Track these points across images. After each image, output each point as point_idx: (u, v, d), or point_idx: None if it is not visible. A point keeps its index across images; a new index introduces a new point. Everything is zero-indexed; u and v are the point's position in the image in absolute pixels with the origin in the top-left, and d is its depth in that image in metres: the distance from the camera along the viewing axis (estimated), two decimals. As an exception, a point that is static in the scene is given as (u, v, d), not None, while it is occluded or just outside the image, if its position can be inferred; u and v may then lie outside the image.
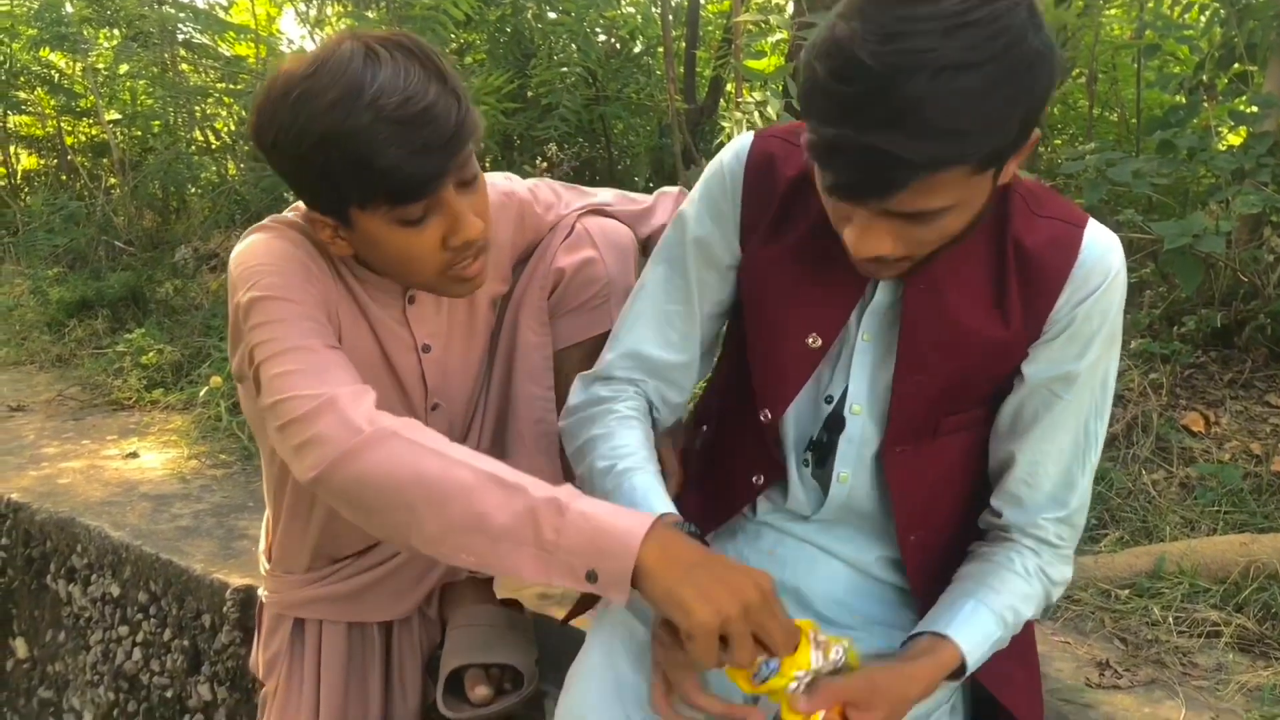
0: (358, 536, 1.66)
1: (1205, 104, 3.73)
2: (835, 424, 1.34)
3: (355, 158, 1.25)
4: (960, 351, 1.27)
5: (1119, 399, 3.06)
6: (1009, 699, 1.34)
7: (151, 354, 3.81)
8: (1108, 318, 1.26)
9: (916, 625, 1.32)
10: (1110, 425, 2.94)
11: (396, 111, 1.23)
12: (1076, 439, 1.31)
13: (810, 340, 1.31)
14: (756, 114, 2.68)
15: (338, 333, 1.44)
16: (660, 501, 1.28)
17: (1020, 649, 1.38)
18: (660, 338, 1.43)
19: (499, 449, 1.68)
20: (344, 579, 1.70)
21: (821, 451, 1.36)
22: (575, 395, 1.47)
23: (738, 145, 1.37)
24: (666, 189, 1.81)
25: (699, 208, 1.39)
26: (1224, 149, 3.65)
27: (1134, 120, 4.52)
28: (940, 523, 1.41)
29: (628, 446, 1.36)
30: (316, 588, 1.70)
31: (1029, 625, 1.43)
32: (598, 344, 1.53)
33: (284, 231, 1.45)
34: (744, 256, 1.37)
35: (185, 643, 2.43)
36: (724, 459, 1.47)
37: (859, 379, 1.32)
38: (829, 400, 1.34)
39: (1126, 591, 2.18)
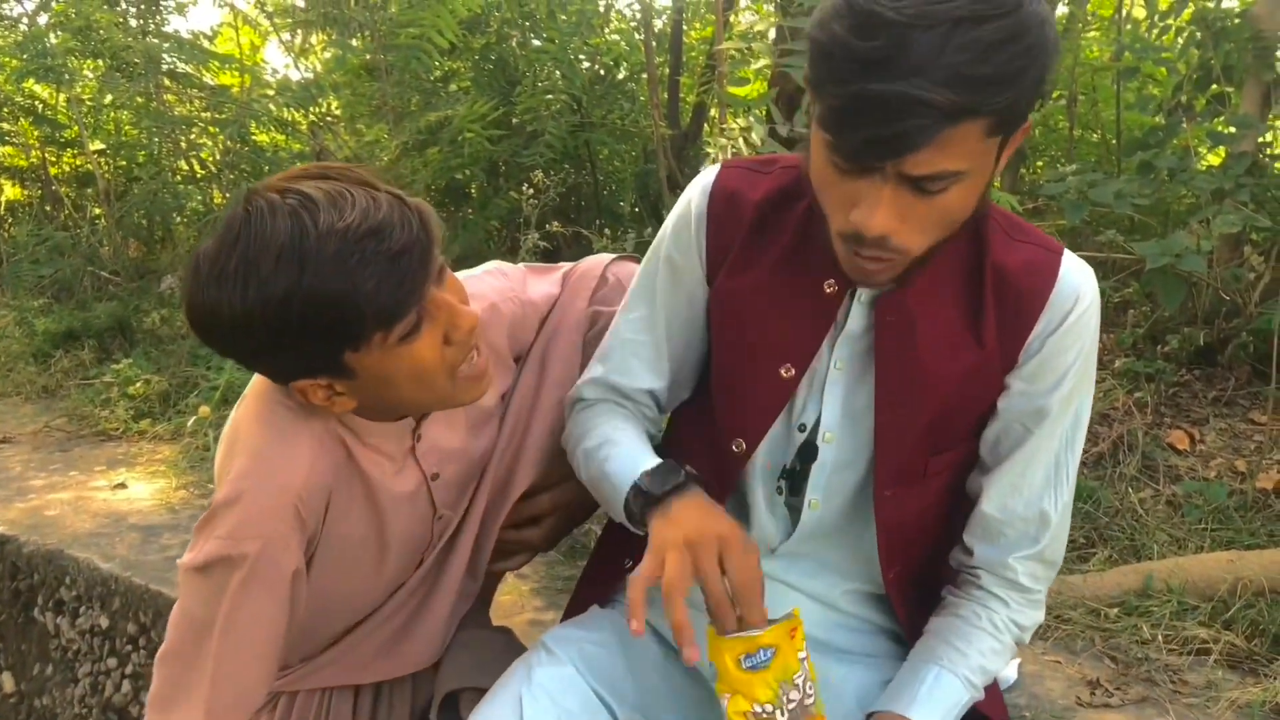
0: (336, 628, 1.61)
1: (1184, 125, 3.78)
2: (808, 452, 1.34)
3: (333, 298, 1.16)
4: (936, 383, 1.26)
5: (1104, 418, 3.09)
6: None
7: (139, 384, 3.80)
8: (1082, 350, 1.26)
9: (878, 700, 1.31)
10: (1096, 444, 2.98)
11: (357, 230, 1.15)
12: (1048, 474, 1.31)
13: (784, 370, 1.31)
14: (741, 140, 2.70)
15: (319, 526, 1.39)
16: (650, 459, 1.33)
17: None
18: (623, 366, 1.45)
19: (502, 499, 1.65)
20: (325, 662, 1.63)
21: (795, 480, 1.36)
22: (574, 392, 1.53)
23: (703, 179, 1.37)
24: (584, 260, 1.76)
25: (669, 242, 1.40)
26: (1203, 169, 3.69)
27: (1114, 141, 4.57)
28: (922, 556, 1.41)
29: (610, 426, 1.41)
30: (300, 672, 1.63)
31: None
32: None
33: (291, 441, 1.33)
34: (712, 289, 1.37)
35: (175, 674, 2.42)
36: None
37: (831, 407, 1.32)
38: (802, 429, 1.34)
39: (1116, 610, 2.19)
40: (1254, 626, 2.11)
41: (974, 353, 1.25)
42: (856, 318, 1.29)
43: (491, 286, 1.58)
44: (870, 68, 0.98)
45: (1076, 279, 1.25)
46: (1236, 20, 3.70)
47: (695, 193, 1.37)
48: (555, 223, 3.85)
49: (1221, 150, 3.82)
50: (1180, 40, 3.94)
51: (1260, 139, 3.67)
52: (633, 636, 1.18)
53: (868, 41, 0.98)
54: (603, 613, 1.50)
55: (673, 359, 1.44)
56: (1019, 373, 1.27)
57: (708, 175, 1.37)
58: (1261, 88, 3.71)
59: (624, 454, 1.35)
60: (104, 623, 2.58)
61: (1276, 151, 3.84)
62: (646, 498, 1.27)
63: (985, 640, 1.31)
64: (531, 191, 3.94)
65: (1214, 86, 3.79)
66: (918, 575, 1.41)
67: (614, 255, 1.71)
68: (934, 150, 1.01)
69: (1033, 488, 1.30)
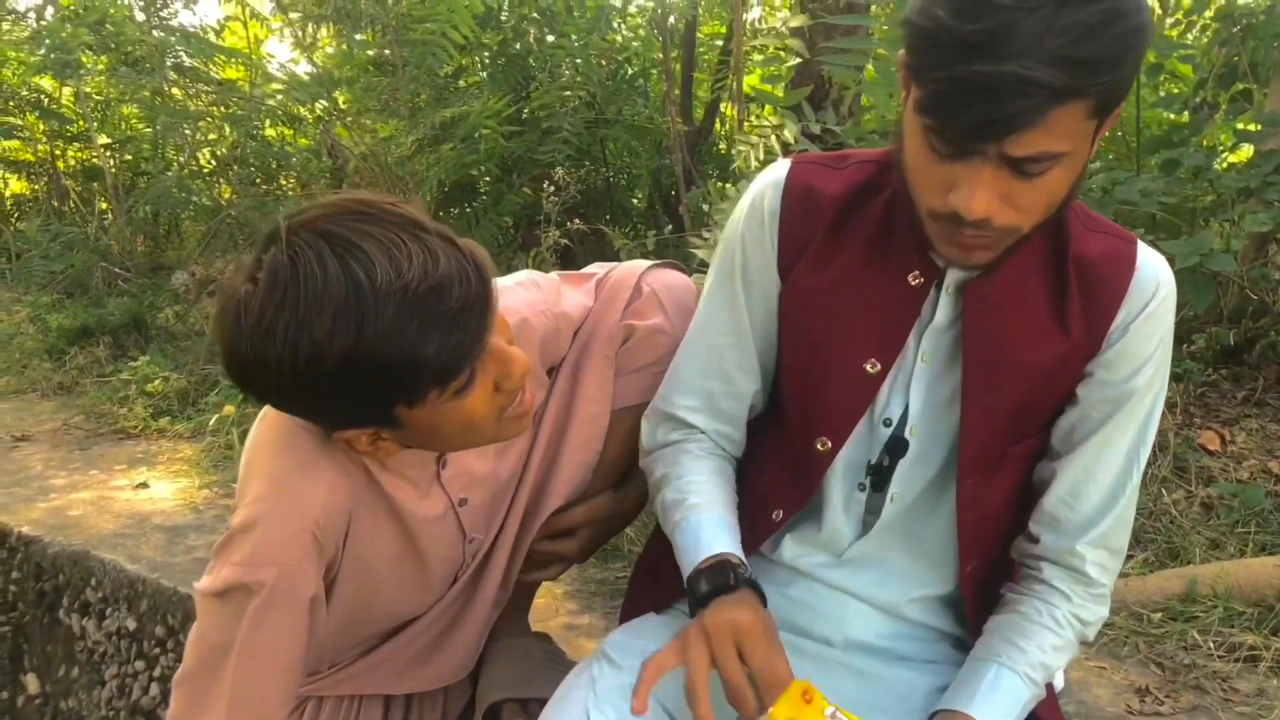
0: (373, 637, 1.59)
1: (1211, 121, 3.76)
2: (898, 447, 1.32)
3: (393, 363, 1.11)
4: (1024, 371, 1.26)
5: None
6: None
7: (157, 381, 3.77)
8: (1163, 339, 1.26)
9: (939, 701, 1.29)
10: (1127, 445, 2.96)
11: (416, 290, 1.09)
12: (1121, 461, 1.29)
13: (869, 366, 1.29)
14: (773, 137, 2.67)
15: (339, 549, 1.36)
16: (714, 540, 1.30)
17: None
18: (720, 374, 1.41)
19: (535, 515, 1.62)
20: (358, 670, 1.61)
21: (880, 476, 1.34)
22: (645, 434, 1.48)
23: (775, 174, 1.35)
24: (617, 267, 1.70)
25: (741, 242, 1.37)
26: (1225, 168, 3.67)
27: (1134, 140, 4.54)
28: (995, 551, 1.39)
29: (696, 483, 1.37)
30: (332, 678, 1.61)
31: None
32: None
33: (310, 467, 1.29)
34: (785, 287, 1.35)
35: (206, 678, 2.39)
36: (740, 495, 1.45)
37: (918, 400, 1.31)
38: (887, 423, 1.32)
39: (1160, 615, 2.17)
40: (1302, 632, 2.09)
41: (1060, 340, 1.25)
42: (944, 309, 1.28)
43: (523, 300, 1.53)
44: (976, 50, 0.98)
45: (1155, 267, 1.25)
46: (1262, 17, 3.68)
47: (766, 188, 1.35)
48: (576, 220, 3.82)
49: (1244, 148, 3.80)
50: (1205, 37, 3.93)
51: (1287, 137, 3.64)
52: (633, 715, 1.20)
53: (973, 24, 0.98)
54: (661, 620, 1.48)
55: (761, 361, 1.42)
56: (1101, 359, 1.26)
57: (779, 170, 1.35)
58: (1288, 85, 3.68)
59: (693, 528, 1.34)
60: (131, 625, 2.55)
61: (1303, 149, 3.81)
62: (696, 597, 1.28)
63: (1046, 636, 1.29)
64: (553, 189, 3.91)
65: (1238, 84, 3.76)
66: (991, 570, 1.39)
67: (649, 264, 1.66)
68: (1038, 131, 1.01)
69: (1105, 474, 1.29)
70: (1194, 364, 3.30)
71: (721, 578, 1.26)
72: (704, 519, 1.33)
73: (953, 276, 1.26)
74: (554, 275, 1.66)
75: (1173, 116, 4.25)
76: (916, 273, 1.26)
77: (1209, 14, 3.90)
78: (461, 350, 1.14)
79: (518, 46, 5.04)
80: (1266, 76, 3.72)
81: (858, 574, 1.40)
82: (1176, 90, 4.40)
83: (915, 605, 1.41)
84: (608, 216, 5.50)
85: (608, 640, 1.44)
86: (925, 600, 1.41)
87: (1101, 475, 1.29)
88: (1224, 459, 2.96)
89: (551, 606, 2.35)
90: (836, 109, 2.92)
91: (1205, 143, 3.86)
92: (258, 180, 6.31)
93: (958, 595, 1.40)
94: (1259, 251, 3.65)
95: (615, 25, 5.35)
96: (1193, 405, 3.20)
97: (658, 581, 1.53)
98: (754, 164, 2.68)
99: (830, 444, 1.34)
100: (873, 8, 2.92)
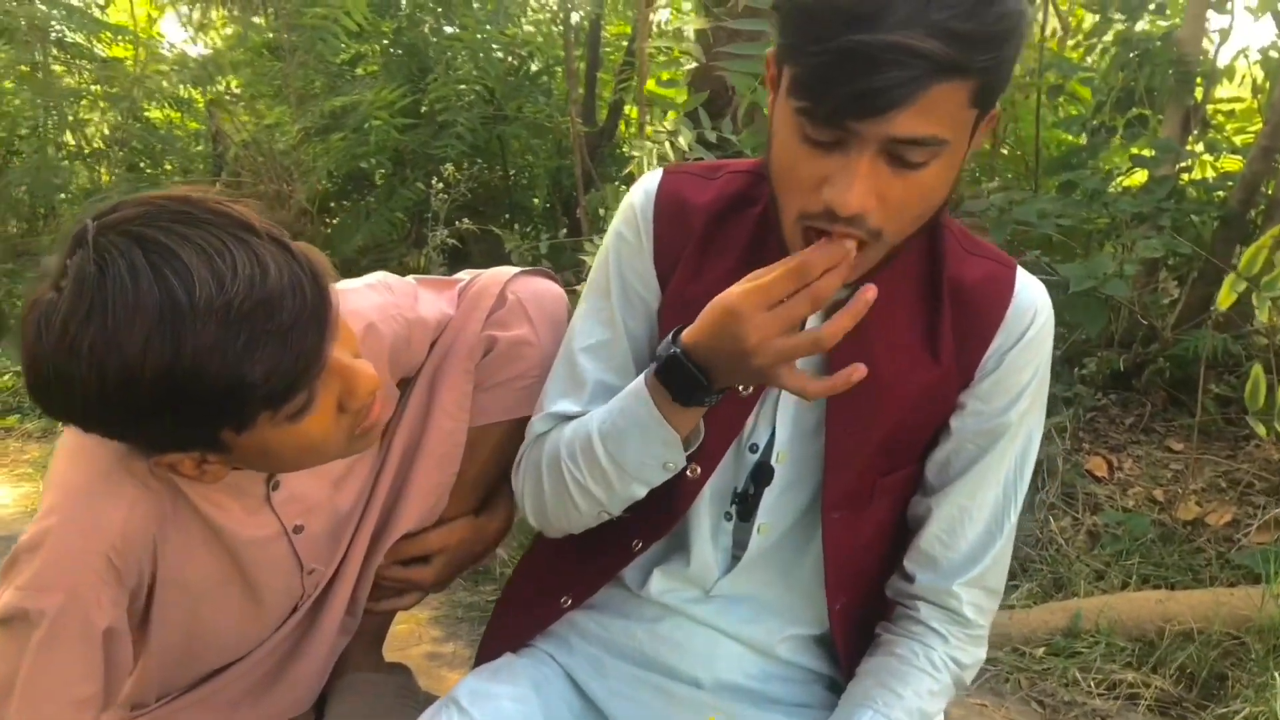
0: (202, 668, 1.44)
1: (1110, 144, 3.77)
2: (763, 474, 1.25)
3: (216, 387, 0.98)
4: (892, 399, 1.19)
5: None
6: None
7: (8, 376, 3.53)
8: (1038, 369, 1.22)
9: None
10: (1016, 469, 2.93)
11: (241, 306, 0.97)
12: (996, 497, 1.24)
13: (742, 388, 1.21)
14: (668, 144, 2.57)
15: (145, 574, 1.22)
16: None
17: None
18: (584, 380, 1.30)
19: (383, 539, 1.49)
20: (189, 703, 1.45)
21: (746, 504, 1.26)
22: (518, 465, 1.35)
23: (646, 184, 1.29)
24: (482, 274, 1.56)
25: (616, 254, 1.30)
26: (1119, 191, 3.69)
27: (1032, 160, 4.56)
28: (867, 588, 1.32)
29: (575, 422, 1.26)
30: (157, 713, 1.45)
31: None
32: (518, 427, 1.40)
33: (118, 459, 1.15)
34: (664, 298, 1.27)
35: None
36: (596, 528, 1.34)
37: (784, 425, 1.24)
38: (753, 449, 1.25)
39: (1042, 650, 2.12)
40: (1182, 670, 2.06)
41: (930, 369, 1.19)
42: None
43: (372, 303, 1.38)
44: (856, 21, 0.93)
45: (1033, 294, 1.20)
46: (1159, 43, 3.70)
47: (638, 199, 1.28)
48: (466, 219, 3.68)
49: (1141, 173, 3.82)
50: (1105, 60, 3.94)
51: (1180, 164, 3.67)
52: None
53: None
54: (518, 661, 1.37)
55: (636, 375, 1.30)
56: (974, 390, 1.21)
57: (650, 180, 1.29)
58: (1182, 112, 3.72)
59: (615, 402, 1.20)
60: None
61: (1195, 176, 3.85)
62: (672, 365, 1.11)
63: (923, 681, 1.23)
64: (441, 185, 3.76)
65: (1135, 109, 3.78)
66: (863, 608, 1.33)
67: (515, 270, 1.54)
68: (919, 111, 0.95)
69: (982, 510, 1.24)
70: (1084, 388, 3.29)
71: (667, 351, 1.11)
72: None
73: None
74: (411, 279, 1.52)
75: (1071, 138, 4.27)
76: None
77: (1109, 37, 3.92)
78: (296, 371, 1.02)
79: (407, 37, 4.87)
80: (1163, 102, 3.74)
81: (728, 610, 1.32)
82: (1076, 112, 4.42)
83: (787, 644, 1.34)
84: (507, 216, 5.37)
85: (460, 686, 1.32)
86: (798, 639, 1.34)
87: (978, 512, 1.24)
88: (1111, 486, 2.95)
89: (414, 633, 2.22)
90: (735, 116, 2.84)
91: (1103, 166, 3.89)
92: (141, 164, 6.03)
93: (830, 634, 1.33)
94: (1150, 277, 3.68)
95: (518, 20, 5.21)
96: (1082, 430, 3.19)
97: (515, 621, 1.42)
98: (647, 169, 2.58)
99: (700, 470, 1.24)
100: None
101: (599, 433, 1.19)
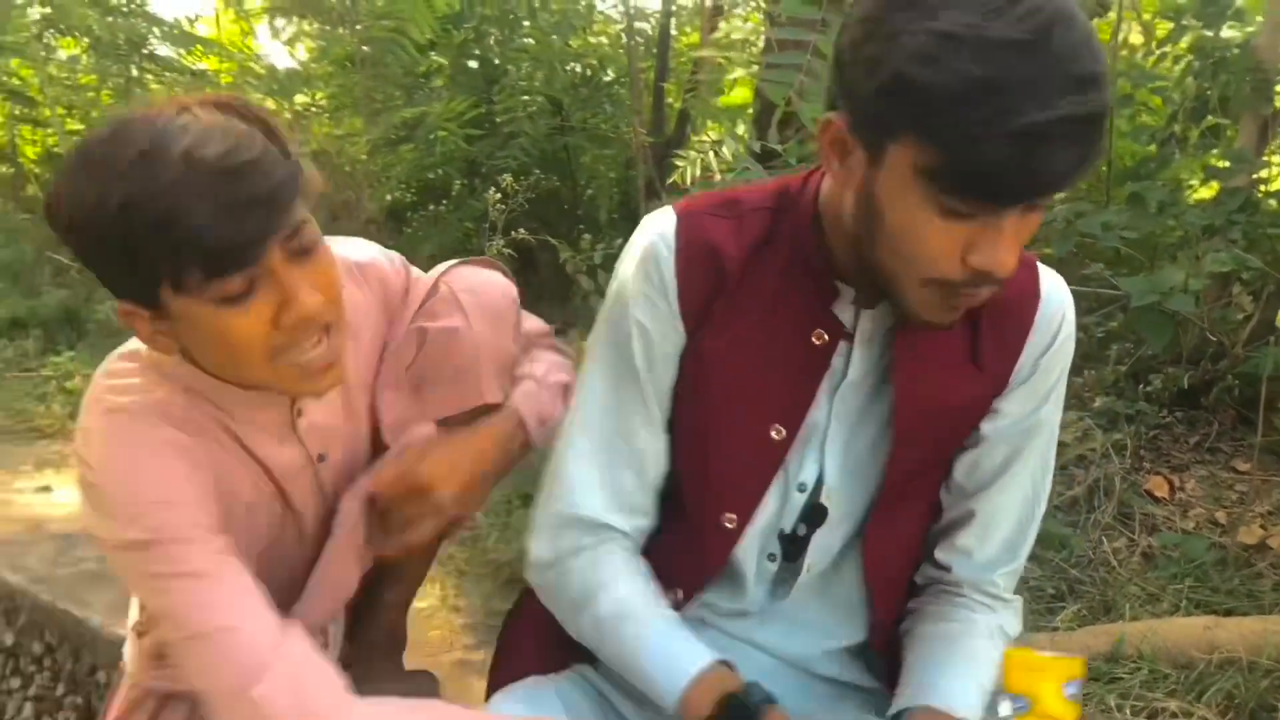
0: None
1: (1178, 156, 3.66)
2: (816, 514, 1.22)
3: (161, 219, 1.05)
4: (947, 415, 1.19)
5: (1081, 460, 2.95)
6: None
7: (78, 379, 3.64)
8: (1065, 367, 1.22)
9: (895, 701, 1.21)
10: (1070, 488, 2.84)
11: (213, 164, 1.06)
12: (1027, 494, 1.26)
13: (774, 432, 1.18)
14: (711, 154, 2.56)
15: (218, 494, 1.27)
16: (690, 655, 1.18)
17: None
18: (620, 460, 1.24)
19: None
20: None
21: (796, 544, 1.24)
22: (539, 548, 1.28)
23: (659, 228, 1.19)
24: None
25: (635, 304, 1.20)
26: (1194, 203, 3.57)
27: (1105, 170, 4.45)
28: (900, 595, 1.32)
29: (617, 589, 1.23)
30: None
31: None
32: (471, 416, 1.38)
33: (143, 405, 1.22)
34: (689, 346, 1.20)
35: (79, 700, 2.27)
36: None
37: (834, 462, 1.21)
38: (801, 489, 1.22)
39: (1082, 675, 2.05)
40: (1229, 700, 1.98)
41: (976, 381, 1.19)
42: (859, 364, 1.18)
43: (376, 253, 1.49)
44: (1011, 99, 0.88)
45: (1061, 294, 1.20)
46: (1236, 51, 3.58)
47: (656, 243, 1.18)
48: (522, 229, 3.70)
49: (1214, 184, 3.70)
50: (1178, 68, 3.83)
51: (1255, 175, 3.54)
52: None
53: (1029, 65, 0.88)
54: (550, 684, 1.31)
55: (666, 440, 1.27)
56: (1010, 396, 1.20)
57: (664, 223, 1.19)
58: (1258, 121, 3.58)
59: (656, 643, 1.20)
60: (9, 639, 2.42)
61: (1271, 188, 3.72)
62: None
63: (986, 648, 1.24)
64: (499, 196, 3.79)
65: (1209, 118, 3.67)
66: (899, 615, 1.32)
67: (453, 262, 1.51)
68: None
69: (1014, 505, 1.25)
70: (1148, 405, 3.18)
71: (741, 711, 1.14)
72: (662, 632, 1.20)
73: (865, 329, 1.17)
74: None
75: (1141, 148, 4.15)
76: (820, 330, 1.16)
77: (1182, 45, 3.80)
78: (232, 245, 1.07)
79: (477, 49, 4.93)
80: (1237, 112, 3.62)
81: (764, 626, 1.31)
82: (1154, 123, 4.30)
83: (825, 658, 1.32)
84: (580, 227, 5.39)
85: (491, 708, 1.28)
86: (834, 652, 1.32)
87: (1011, 509, 1.26)
88: (1171, 506, 2.85)
89: (446, 640, 2.23)
90: (781, 127, 2.81)
91: (1178, 177, 3.77)
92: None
93: (868, 645, 1.32)
94: (1222, 291, 3.55)
95: (584, 31, 5.23)
96: (1144, 449, 3.09)
97: (543, 638, 1.34)
98: (689, 180, 2.58)
99: (736, 518, 1.22)
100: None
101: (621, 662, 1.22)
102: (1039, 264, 1.20)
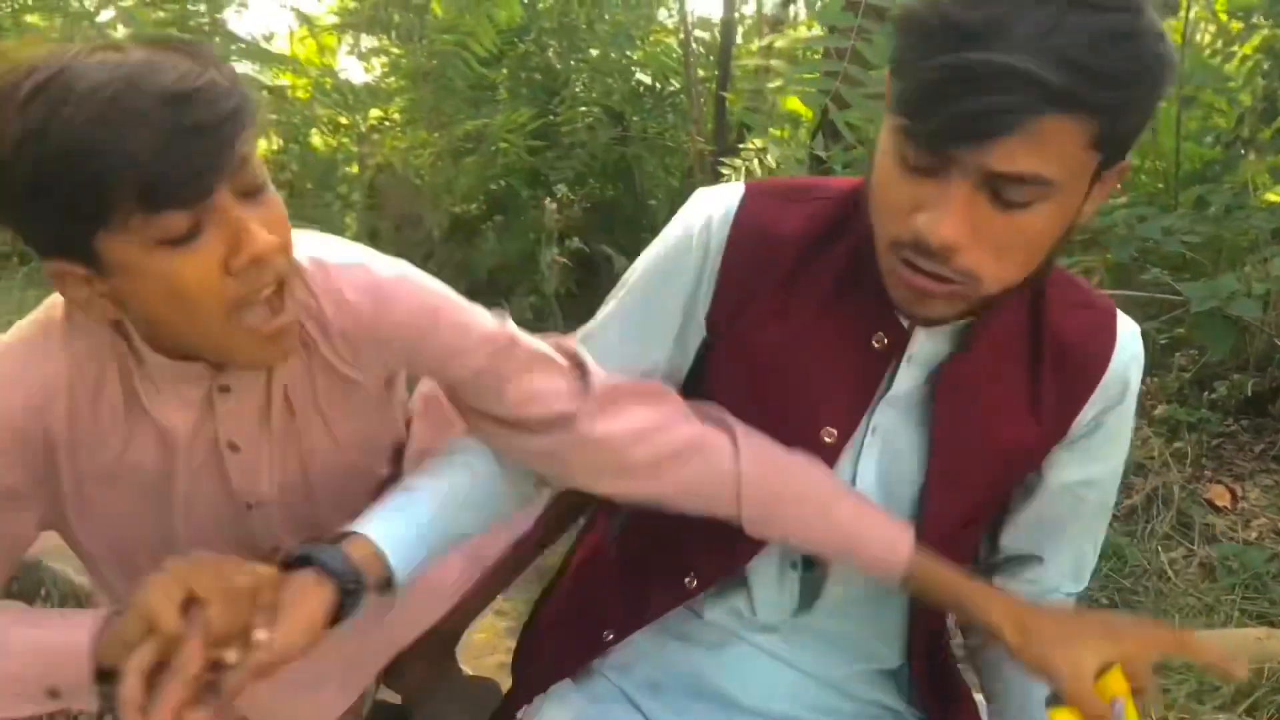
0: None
1: (1248, 157, 3.58)
2: None
3: (93, 147, 0.91)
4: (994, 458, 1.14)
5: (1139, 468, 2.90)
6: None
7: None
8: (1131, 420, 1.19)
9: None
10: (1129, 496, 2.80)
11: (152, 85, 0.91)
12: (1093, 531, 1.24)
13: (825, 435, 1.14)
14: (756, 161, 2.58)
15: (57, 450, 1.11)
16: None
17: None
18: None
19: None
20: None
21: None
22: None
23: (724, 201, 1.16)
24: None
25: (658, 273, 1.18)
26: (1262, 206, 3.48)
27: (1174, 172, 4.36)
28: (942, 622, 1.31)
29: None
30: None
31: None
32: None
33: (37, 344, 1.08)
34: (727, 341, 1.18)
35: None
36: (647, 555, 1.29)
37: (868, 475, 1.17)
38: None
39: (1127, 687, 2.02)
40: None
41: (1031, 427, 1.14)
42: (905, 379, 1.14)
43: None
44: (970, 38, 0.87)
45: (1134, 346, 1.15)
46: (1307, 49, 3.50)
47: (712, 215, 1.16)
48: (575, 238, 3.74)
49: (1283, 187, 3.61)
50: (1245, 68, 3.74)
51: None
52: None
53: (972, 12, 0.87)
54: (578, 690, 1.30)
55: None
56: (1074, 446, 1.16)
57: (729, 197, 1.16)
58: (1329, 122, 3.50)
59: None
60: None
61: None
62: None
63: None
64: (555, 206, 3.83)
65: (1278, 120, 3.58)
66: (939, 638, 1.31)
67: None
68: (1026, 141, 0.88)
69: (1078, 545, 1.24)
70: (1211, 413, 3.12)
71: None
72: None
73: (918, 344, 1.12)
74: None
75: (1206, 151, 4.06)
76: (881, 334, 1.12)
77: (1250, 45, 3.71)
78: (175, 175, 0.93)
79: (535, 61, 5.00)
80: (1308, 112, 3.53)
81: (795, 643, 1.27)
82: (1224, 124, 4.20)
83: (859, 677, 1.29)
84: (644, 236, 5.42)
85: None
86: (868, 673, 1.29)
87: (1074, 547, 1.24)
88: (1232, 516, 2.79)
89: (490, 644, 2.27)
90: (836, 134, 2.81)
91: (1247, 180, 3.68)
92: (308, 186, 6.33)
93: (904, 667, 1.29)
94: (1291, 296, 3.46)
95: (642, 41, 5.27)
96: (1205, 457, 3.03)
97: (567, 641, 1.33)
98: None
99: None
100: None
101: None
102: (1119, 312, 1.15)
